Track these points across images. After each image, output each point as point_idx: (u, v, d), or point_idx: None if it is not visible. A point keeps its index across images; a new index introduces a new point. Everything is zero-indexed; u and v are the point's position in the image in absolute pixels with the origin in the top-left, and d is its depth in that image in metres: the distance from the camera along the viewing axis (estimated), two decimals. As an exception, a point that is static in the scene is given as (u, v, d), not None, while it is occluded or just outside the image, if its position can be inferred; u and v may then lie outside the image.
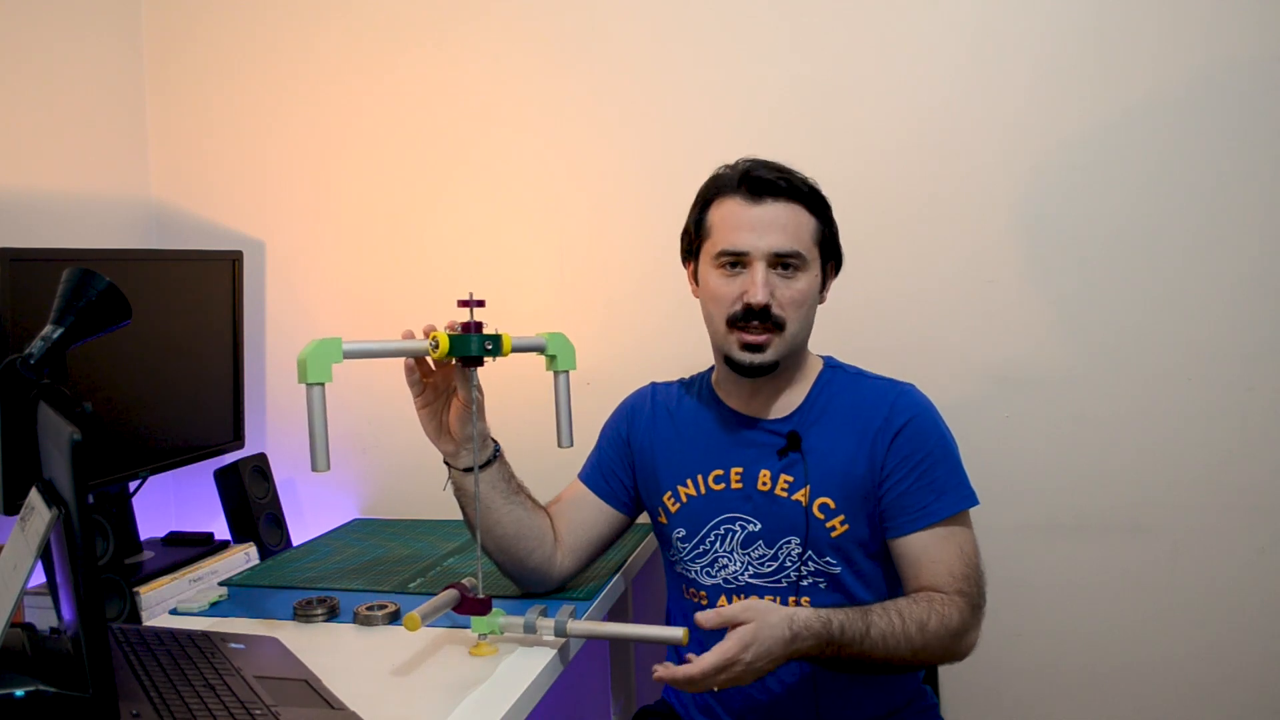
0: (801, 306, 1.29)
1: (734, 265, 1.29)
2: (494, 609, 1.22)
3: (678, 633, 1.18)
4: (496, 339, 1.23)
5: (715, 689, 1.12)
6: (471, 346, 1.21)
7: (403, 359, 1.25)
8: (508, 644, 1.23)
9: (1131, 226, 1.69)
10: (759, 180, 1.29)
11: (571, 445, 1.34)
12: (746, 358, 1.29)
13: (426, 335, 1.23)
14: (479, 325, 1.22)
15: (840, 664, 1.19)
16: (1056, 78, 1.69)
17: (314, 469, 1.12)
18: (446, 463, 1.33)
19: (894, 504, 1.28)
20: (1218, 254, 1.66)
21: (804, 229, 1.29)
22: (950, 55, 1.72)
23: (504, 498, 1.33)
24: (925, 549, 1.27)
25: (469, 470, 1.30)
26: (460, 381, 1.27)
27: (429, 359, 1.25)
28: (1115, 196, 1.69)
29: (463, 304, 1.22)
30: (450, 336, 1.21)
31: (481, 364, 1.24)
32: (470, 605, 1.21)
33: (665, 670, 1.10)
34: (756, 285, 1.25)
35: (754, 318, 1.27)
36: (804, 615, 1.15)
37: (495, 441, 1.34)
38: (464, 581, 1.23)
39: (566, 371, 1.34)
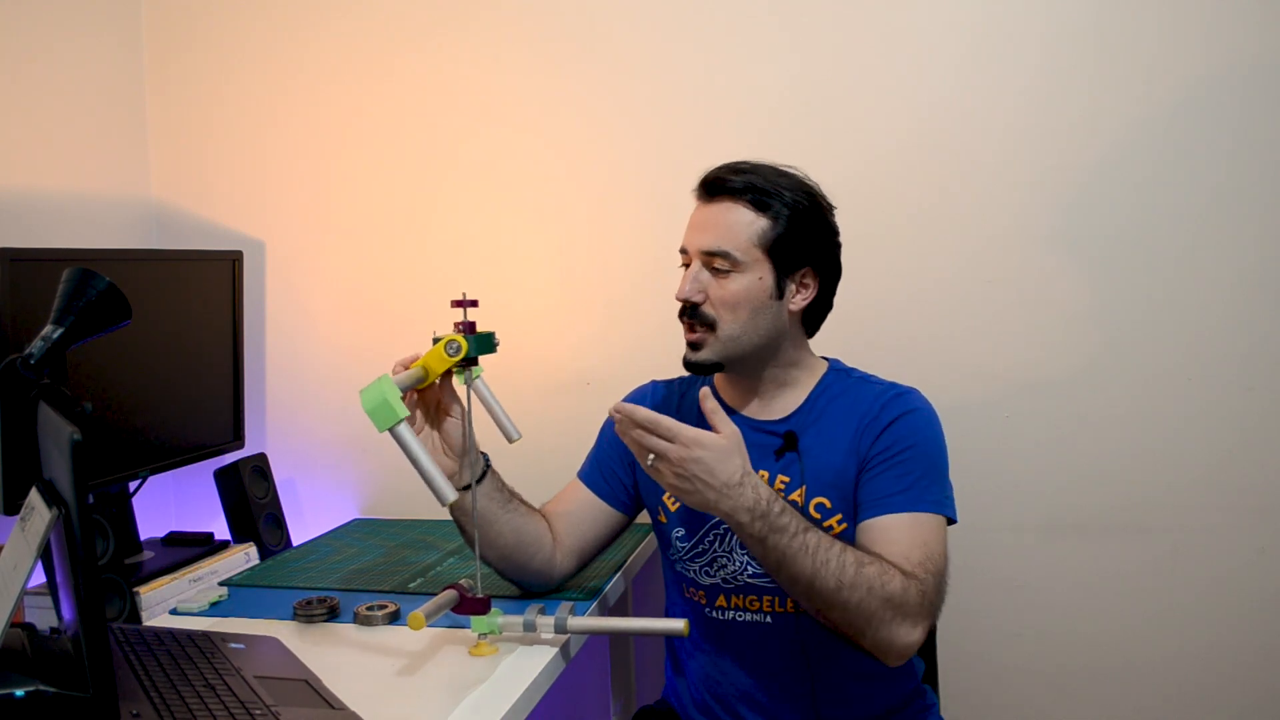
0: (736, 308, 1.27)
1: (687, 265, 1.32)
2: (493, 608, 1.22)
3: (678, 624, 1.18)
4: (492, 334, 1.25)
5: (650, 463, 1.13)
6: (489, 344, 1.22)
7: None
8: (508, 643, 1.23)
9: (1131, 226, 1.69)
10: (712, 179, 1.31)
11: (520, 436, 1.33)
12: (687, 355, 1.32)
13: (407, 366, 1.22)
14: (473, 325, 1.23)
15: (768, 562, 1.15)
16: (1056, 78, 1.69)
17: (442, 503, 1.09)
18: None
19: (863, 489, 1.26)
20: (1217, 254, 1.66)
21: (740, 229, 1.27)
22: (950, 55, 1.72)
23: (501, 508, 1.32)
24: (884, 530, 1.23)
25: (465, 488, 1.28)
26: (453, 389, 1.26)
27: (450, 363, 1.23)
28: (1115, 196, 1.69)
29: (456, 304, 1.22)
30: (467, 337, 1.20)
31: (476, 363, 1.24)
32: (469, 605, 1.21)
33: (623, 406, 1.14)
34: (684, 281, 1.29)
35: (685, 314, 1.30)
36: (762, 478, 1.16)
37: (484, 454, 1.33)
38: (461, 582, 1.23)
39: (480, 375, 1.31)
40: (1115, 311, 1.70)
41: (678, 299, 1.30)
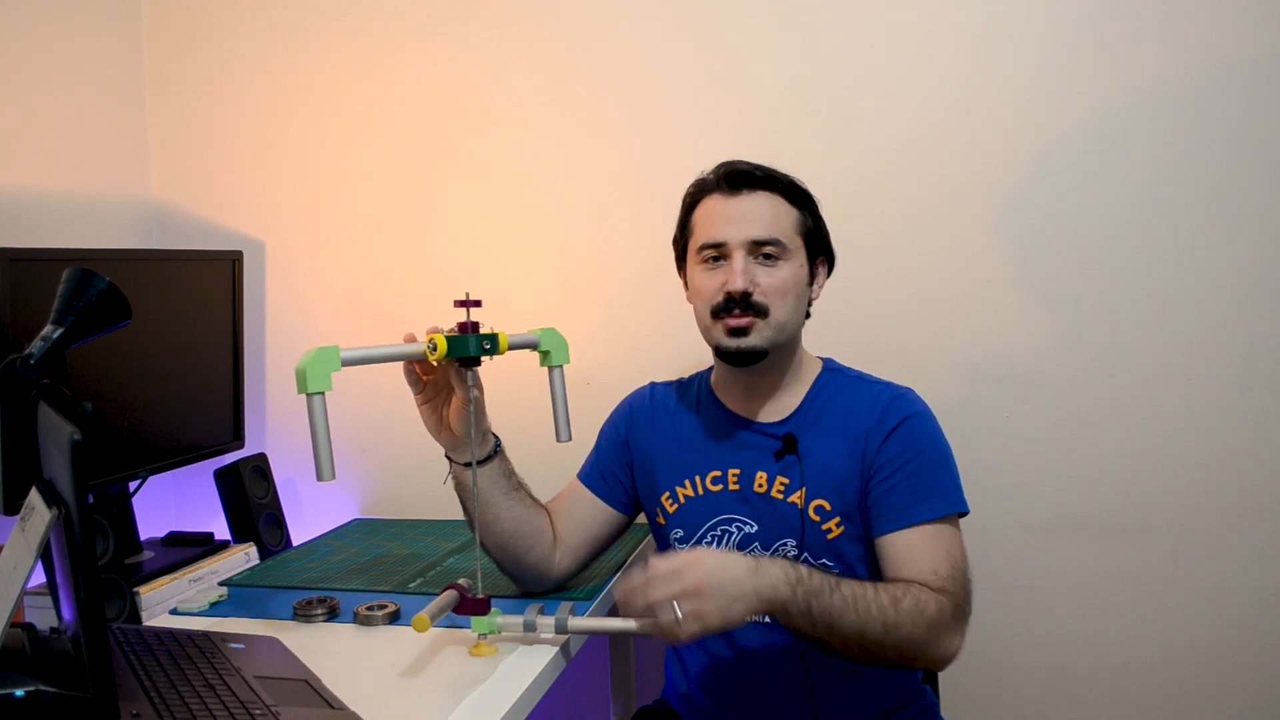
0: (786, 295, 1.28)
1: (715, 258, 1.30)
2: (493, 608, 1.22)
3: None
4: (494, 338, 1.24)
5: (678, 619, 1.06)
6: (469, 347, 1.22)
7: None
8: (508, 643, 1.23)
9: (1131, 226, 1.68)
10: (735, 173, 1.31)
11: (570, 439, 1.35)
12: (733, 343, 1.28)
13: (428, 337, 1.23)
14: (476, 325, 1.23)
15: (816, 633, 1.13)
16: (1056, 77, 1.69)
17: (319, 479, 1.11)
18: (448, 456, 1.33)
19: (879, 502, 1.27)
20: (1217, 254, 1.66)
21: (783, 218, 1.30)
22: (950, 55, 1.72)
23: (504, 494, 1.33)
24: (908, 547, 1.24)
25: (469, 465, 1.30)
26: (457, 382, 1.27)
27: (429, 359, 1.25)
28: (1115, 196, 1.69)
29: (459, 304, 1.23)
30: (448, 338, 1.21)
31: (479, 364, 1.25)
32: (469, 605, 1.21)
33: (624, 586, 1.10)
34: (735, 273, 1.27)
35: (735, 305, 1.27)
36: (766, 557, 1.14)
37: (496, 437, 1.34)
38: (461, 582, 1.23)
39: (560, 366, 1.34)
40: (1115, 311, 1.70)
41: (734, 290, 1.26)
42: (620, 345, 1.86)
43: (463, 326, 1.23)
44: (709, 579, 1.07)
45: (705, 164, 1.36)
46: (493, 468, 1.32)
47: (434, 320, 1.26)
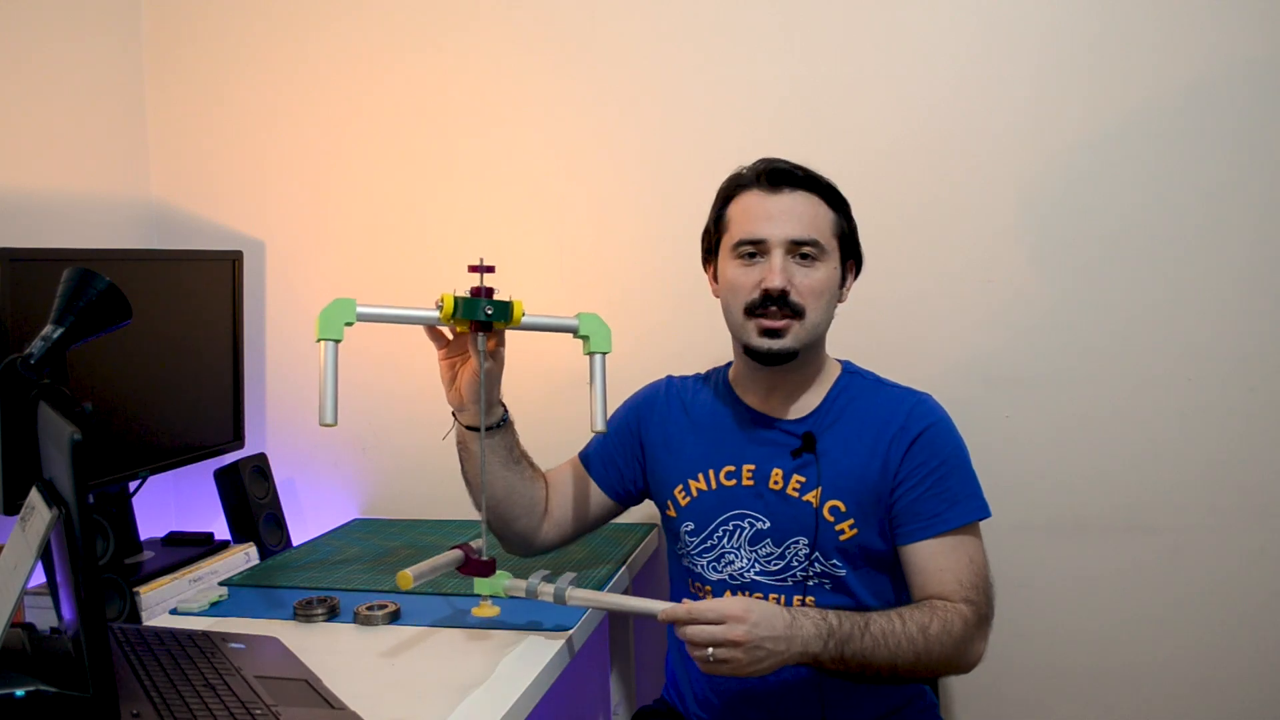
0: (821, 296, 1.29)
1: (752, 255, 1.29)
2: (498, 571, 1.24)
3: (680, 607, 1.19)
4: (505, 305, 1.24)
5: (711, 658, 1.09)
6: (476, 310, 1.23)
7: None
8: (507, 641, 1.23)
9: (1131, 226, 1.68)
10: (777, 171, 1.30)
11: (605, 430, 1.33)
12: (765, 343, 1.27)
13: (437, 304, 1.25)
14: (489, 290, 1.24)
15: (848, 671, 1.18)
16: (1056, 78, 1.69)
17: (321, 422, 1.14)
18: (454, 413, 1.35)
19: (905, 510, 1.28)
20: (1217, 255, 1.66)
21: (822, 219, 1.30)
22: (950, 56, 1.72)
23: (501, 464, 1.35)
24: (933, 557, 1.27)
25: (470, 428, 1.32)
26: (471, 347, 1.27)
27: (439, 317, 1.25)
28: (1115, 196, 1.69)
29: (473, 269, 1.24)
30: (456, 299, 1.22)
31: (490, 329, 1.25)
32: (474, 566, 1.23)
33: (668, 610, 1.13)
34: (774, 271, 1.26)
35: (772, 303, 1.26)
36: (798, 608, 1.17)
37: (504, 408, 1.35)
38: (470, 543, 1.24)
39: (602, 354, 1.33)
40: (1115, 311, 1.70)
41: (772, 288, 1.25)
42: (621, 345, 1.84)
43: (475, 291, 1.23)
44: (749, 635, 1.09)
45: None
46: (495, 440, 1.33)
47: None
